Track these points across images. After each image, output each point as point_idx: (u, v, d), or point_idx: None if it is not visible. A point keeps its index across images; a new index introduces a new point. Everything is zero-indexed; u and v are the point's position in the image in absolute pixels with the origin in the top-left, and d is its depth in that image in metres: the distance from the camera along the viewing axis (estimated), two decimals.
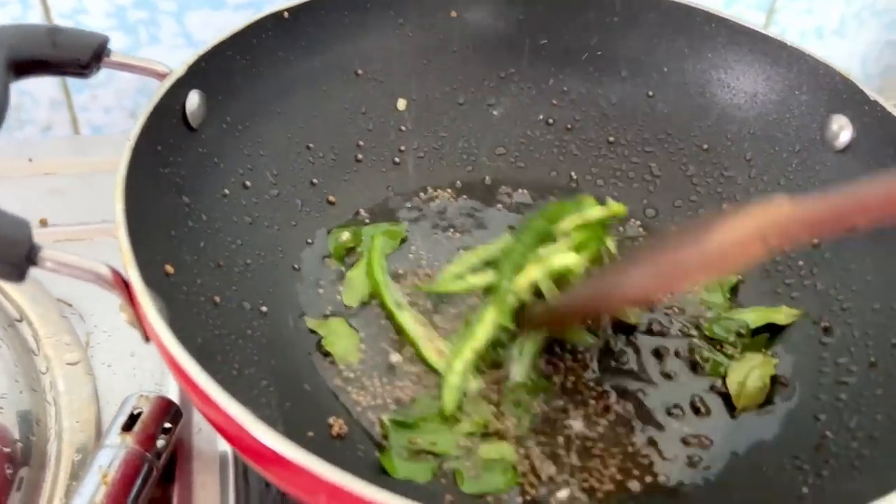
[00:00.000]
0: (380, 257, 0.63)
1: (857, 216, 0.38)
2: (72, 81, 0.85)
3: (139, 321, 0.43)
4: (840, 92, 0.62)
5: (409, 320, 0.59)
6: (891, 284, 0.56)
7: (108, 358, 0.64)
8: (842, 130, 0.62)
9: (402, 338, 0.59)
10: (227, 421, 0.37)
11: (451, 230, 0.68)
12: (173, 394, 0.59)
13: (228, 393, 0.37)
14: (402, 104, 0.71)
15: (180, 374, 0.39)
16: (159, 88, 0.53)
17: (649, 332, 0.61)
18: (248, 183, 0.61)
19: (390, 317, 0.60)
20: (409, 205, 0.70)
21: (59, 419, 0.59)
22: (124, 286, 0.43)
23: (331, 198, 0.67)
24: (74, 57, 0.52)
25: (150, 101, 0.52)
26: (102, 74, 0.83)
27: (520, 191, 0.72)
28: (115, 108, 0.87)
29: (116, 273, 0.44)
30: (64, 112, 0.87)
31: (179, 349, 0.39)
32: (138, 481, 0.52)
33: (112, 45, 0.62)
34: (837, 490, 0.46)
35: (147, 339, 0.45)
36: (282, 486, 0.39)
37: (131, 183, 0.48)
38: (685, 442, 0.55)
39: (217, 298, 0.54)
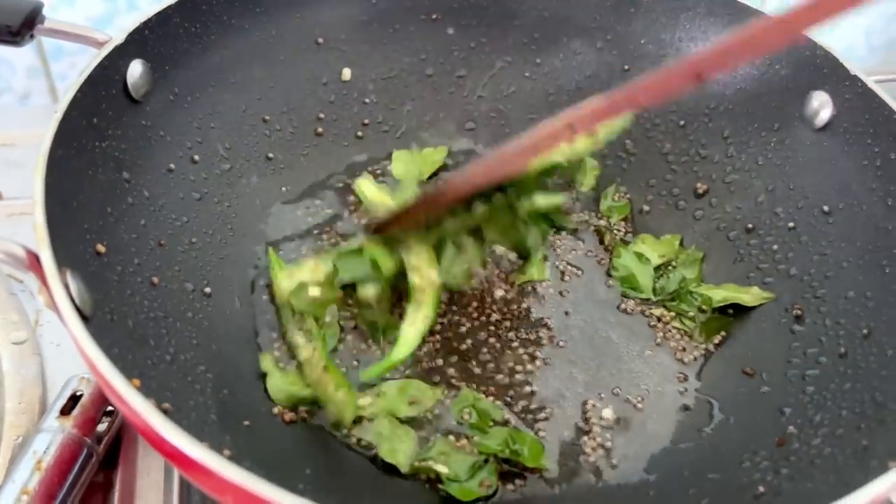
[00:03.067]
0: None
1: (643, 98, 0.44)
2: (49, 49, 0.83)
3: (54, 306, 0.41)
4: (821, 66, 0.59)
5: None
6: (866, 271, 0.53)
7: (57, 337, 0.62)
8: (822, 107, 0.59)
9: None
10: (132, 414, 0.35)
11: None
12: None
13: (145, 385, 0.35)
14: (364, 75, 0.68)
15: (90, 365, 0.37)
16: (94, 58, 0.50)
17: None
18: (196, 157, 0.59)
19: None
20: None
21: (2, 399, 0.57)
22: (41, 267, 0.41)
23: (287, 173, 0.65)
24: (3, 23, 0.49)
25: (82, 71, 0.49)
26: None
27: None
28: None
29: (32, 254, 0.41)
30: (42, 80, 0.85)
31: (87, 338, 0.37)
32: (75, 467, 0.51)
33: (91, 14, 0.60)
34: (795, 489, 0.44)
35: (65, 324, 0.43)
36: (196, 484, 0.37)
37: (59, 157, 0.46)
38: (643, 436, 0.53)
39: (156, 279, 0.51)
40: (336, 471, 0.49)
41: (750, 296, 0.58)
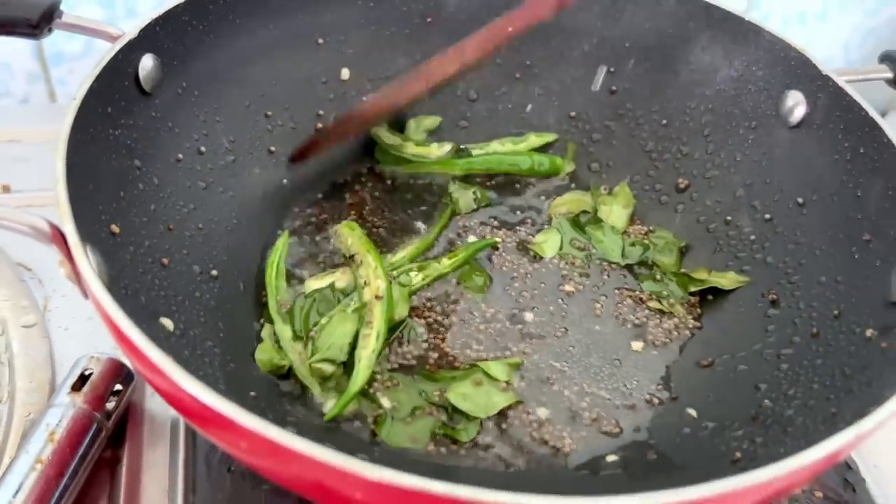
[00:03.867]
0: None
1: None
2: (49, 54, 0.85)
3: (76, 276, 0.44)
4: (795, 67, 0.62)
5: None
6: (837, 258, 0.57)
7: (65, 321, 0.65)
8: (796, 106, 0.62)
9: None
10: (153, 370, 0.38)
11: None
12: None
13: (162, 349, 0.38)
14: (361, 75, 0.71)
15: (110, 324, 0.40)
16: (109, 50, 0.53)
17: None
18: (203, 149, 0.62)
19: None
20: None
21: (14, 380, 0.59)
22: (62, 241, 0.44)
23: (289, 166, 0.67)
24: (24, 16, 0.52)
25: (98, 62, 0.52)
26: (79, 46, 0.84)
27: None
28: None
29: (55, 227, 0.44)
30: (41, 85, 0.87)
31: (108, 298, 0.39)
32: (86, 440, 0.53)
33: (89, 17, 0.62)
34: (768, 454, 0.47)
35: (86, 295, 0.45)
36: (210, 436, 0.40)
37: (77, 141, 0.48)
38: (628, 405, 0.56)
39: (165, 260, 0.54)
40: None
41: (727, 280, 0.61)
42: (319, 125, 0.70)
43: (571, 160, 0.72)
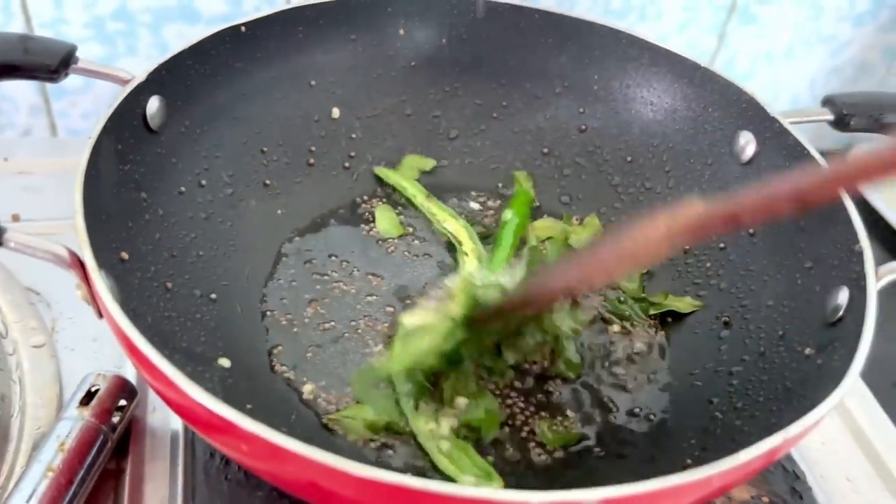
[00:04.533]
0: None
1: (745, 218, 0.45)
2: (51, 88, 0.89)
3: (92, 298, 0.49)
4: (746, 110, 0.68)
5: None
6: (783, 283, 0.62)
7: (72, 342, 0.69)
8: (748, 144, 0.68)
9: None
10: (162, 380, 0.42)
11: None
12: (130, 375, 0.64)
13: (170, 361, 0.43)
14: (351, 113, 0.77)
15: (124, 340, 0.44)
16: (120, 92, 0.59)
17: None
18: (203, 182, 0.67)
19: None
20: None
21: (24, 396, 0.64)
22: (80, 266, 0.48)
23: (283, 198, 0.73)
24: (44, 63, 0.57)
25: (111, 104, 0.57)
26: (80, 82, 0.89)
27: (462, 195, 0.78)
28: (93, 115, 0.91)
29: (73, 254, 0.49)
30: (43, 117, 0.92)
31: (123, 318, 0.44)
32: (93, 451, 0.57)
33: (90, 55, 0.68)
34: (715, 458, 0.52)
35: (100, 315, 0.50)
36: (213, 441, 0.45)
37: (91, 176, 0.53)
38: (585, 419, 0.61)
39: (169, 284, 0.59)
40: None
41: (683, 304, 0.67)
42: None
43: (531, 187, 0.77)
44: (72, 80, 0.89)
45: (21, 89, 0.89)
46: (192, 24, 0.86)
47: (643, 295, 0.70)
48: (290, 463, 0.40)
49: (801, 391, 0.53)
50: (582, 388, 0.63)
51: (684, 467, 0.51)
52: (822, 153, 0.63)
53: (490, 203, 0.78)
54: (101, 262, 0.48)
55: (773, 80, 1.08)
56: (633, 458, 0.57)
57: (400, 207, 0.76)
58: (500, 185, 0.79)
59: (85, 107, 0.91)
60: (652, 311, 0.68)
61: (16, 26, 0.83)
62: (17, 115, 0.91)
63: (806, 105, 1.11)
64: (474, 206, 0.77)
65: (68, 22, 0.84)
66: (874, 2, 1.02)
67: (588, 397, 0.62)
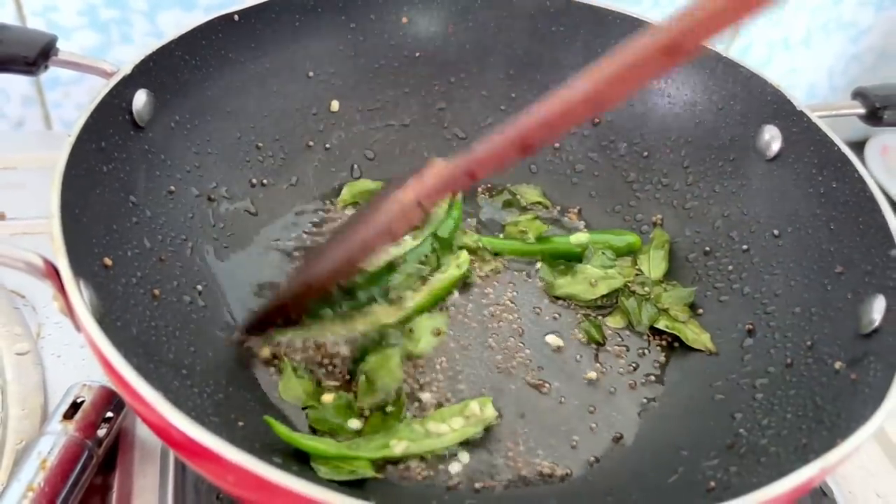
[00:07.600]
0: None
1: (478, 170, 0.47)
2: (44, 78, 0.85)
3: (69, 310, 0.45)
4: (771, 102, 0.64)
5: None
6: (811, 289, 0.58)
7: (58, 348, 0.66)
8: (773, 140, 0.64)
9: None
10: (141, 403, 0.39)
11: None
12: None
13: (150, 382, 0.39)
14: (351, 106, 0.73)
15: (101, 359, 0.41)
16: (104, 87, 0.55)
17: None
18: (194, 180, 0.63)
19: None
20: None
21: (6, 407, 0.60)
22: (56, 276, 0.45)
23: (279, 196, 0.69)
24: (20, 54, 0.54)
25: (93, 99, 0.54)
26: (75, 72, 0.86)
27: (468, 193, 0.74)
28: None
29: (49, 263, 0.45)
30: (36, 108, 0.88)
31: (100, 335, 0.40)
32: (77, 467, 0.54)
33: (84, 44, 0.64)
34: (742, 483, 0.48)
35: (78, 328, 0.46)
36: (199, 469, 0.41)
37: (72, 177, 0.49)
38: (614, 438, 0.57)
39: (157, 291, 0.55)
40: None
41: (691, 334, 0.63)
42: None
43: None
44: (66, 70, 0.87)
45: (12, 79, 0.86)
46: (189, 11, 0.82)
47: (665, 306, 0.65)
48: (279, 497, 0.37)
49: (832, 409, 0.50)
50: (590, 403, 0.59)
51: (708, 490, 0.49)
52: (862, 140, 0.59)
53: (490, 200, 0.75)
54: (81, 270, 0.45)
55: (791, 68, 1.04)
56: (652, 477, 0.53)
57: None
58: (508, 184, 0.76)
59: (79, 98, 0.88)
60: (658, 326, 0.64)
61: (6, 14, 0.80)
62: (10, 106, 0.88)
63: (824, 94, 1.06)
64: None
65: (60, 9, 0.80)
66: None
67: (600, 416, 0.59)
